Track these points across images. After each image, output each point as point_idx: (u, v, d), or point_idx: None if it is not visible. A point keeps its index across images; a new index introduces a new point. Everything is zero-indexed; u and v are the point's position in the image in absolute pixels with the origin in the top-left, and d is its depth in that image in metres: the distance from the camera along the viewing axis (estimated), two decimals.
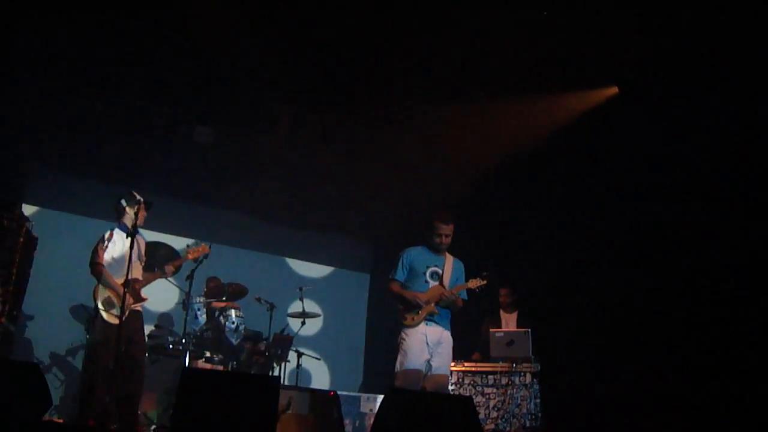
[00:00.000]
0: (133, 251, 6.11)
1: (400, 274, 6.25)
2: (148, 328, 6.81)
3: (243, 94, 8.15)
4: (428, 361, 6.01)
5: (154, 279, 6.58)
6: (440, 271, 6.22)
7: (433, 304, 6.06)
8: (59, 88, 7.77)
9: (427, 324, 6.05)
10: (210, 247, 6.94)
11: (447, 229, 6.21)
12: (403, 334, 6.06)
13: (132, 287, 6.18)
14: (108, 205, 6.88)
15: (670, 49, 6.85)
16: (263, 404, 4.54)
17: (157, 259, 7.26)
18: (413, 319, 6.03)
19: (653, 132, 7.52)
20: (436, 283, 6.18)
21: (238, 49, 7.37)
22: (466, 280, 6.28)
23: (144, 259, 6.64)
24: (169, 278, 6.89)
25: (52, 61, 7.38)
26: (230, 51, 7.40)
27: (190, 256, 6.78)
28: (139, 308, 6.41)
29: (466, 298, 6.30)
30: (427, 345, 6.00)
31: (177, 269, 6.80)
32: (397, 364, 6.00)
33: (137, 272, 6.37)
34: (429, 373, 6.01)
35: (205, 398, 4.43)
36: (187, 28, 7.04)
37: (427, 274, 6.20)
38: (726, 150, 7.10)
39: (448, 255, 6.34)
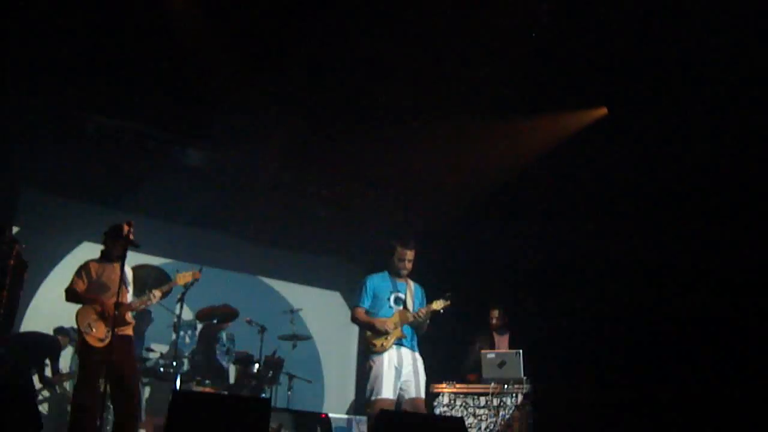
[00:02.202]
0: (111, 276, 6.17)
1: (365, 301, 6.26)
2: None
3: (234, 116, 8.18)
4: (401, 386, 6.01)
5: (143, 305, 6.41)
6: (403, 296, 6.26)
7: (400, 329, 6.09)
8: (49, 110, 7.79)
9: (395, 348, 6.06)
10: (200, 272, 6.88)
11: (409, 254, 6.26)
12: (371, 361, 6.04)
13: (117, 311, 6.09)
14: (99, 228, 6.84)
15: (659, 70, 6.92)
16: (254, 426, 4.53)
17: (148, 282, 7.22)
18: (382, 345, 6.03)
19: (642, 153, 7.58)
20: (400, 308, 6.21)
21: (229, 71, 7.41)
22: (429, 303, 6.32)
23: (130, 284, 6.56)
24: (160, 302, 6.83)
25: (43, 82, 7.40)
26: (222, 73, 7.44)
27: (179, 281, 6.66)
28: (127, 332, 6.28)
29: (428, 322, 6.32)
30: (396, 368, 6.00)
31: (164, 294, 6.73)
32: (368, 392, 5.98)
33: (123, 298, 6.30)
34: (406, 397, 6.00)
35: (196, 421, 4.42)
36: (180, 50, 7.08)
37: (391, 299, 6.22)
38: (716, 168, 7.16)
39: (409, 281, 6.39)
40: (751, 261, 6.88)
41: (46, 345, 8.09)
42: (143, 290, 6.71)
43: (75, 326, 6.22)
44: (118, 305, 5.83)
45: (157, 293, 6.43)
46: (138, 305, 6.37)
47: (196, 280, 6.82)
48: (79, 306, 6.19)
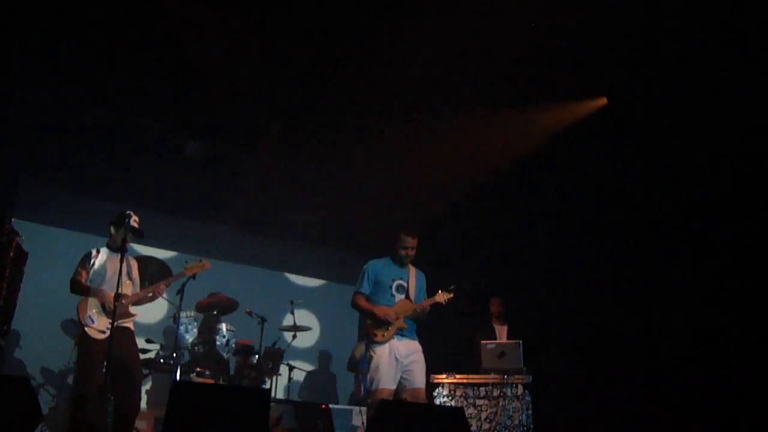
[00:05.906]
0: (115, 268, 6.06)
1: (366, 287, 6.25)
2: (139, 341, 6.65)
3: (233, 108, 8.17)
4: (402, 376, 6.00)
5: (147, 298, 6.36)
6: (405, 284, 6.23)
7: (401, 320, 6.08)
8: (50, 102, 7.78)
9: (396, 339, 6.05)
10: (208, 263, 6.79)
11: (412, 242, 6.25)
12: (371, 351, 6.03)
13: (116, 303, 6.03)
14: (98, 220, 6.82)
15: (658, 61, 6.91)
16: (254, 417, 4.53)
17: (149, 275, 7.18)
18: (383, 335, 6.02)
19: (642, 143, 7.57)
20: (402, 296, 6.19)
21: (228, 64, 7.40)
22: (431, 293, 6.30)
23: (135, 278, 6.48)
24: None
25: (43, 75, 7.39)
26: (220, 66, 7.43)
27: (188, 272, 6.59)
28: (128, 324, 6.22)
29: (428, 309, 6.31)
30: (397, 360, 5.99)
31: (168, 285, 6.67)
32: (368, 382, 5.98)
33: (126, 290, 6.22)
34: (406, 387, 5.99)
35: (195, 412, 4.41)
36: (179, 43, 7.07)
37: (393, 287, 6.20)
38: (715, 159, 7.16)
39: (411, 267, 6.37)
40: (753, 255, 6.88)
41: None
42: (144, 283, 6.69)
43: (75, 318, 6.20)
44: (118, 296, 5.80)
45: (162, 286, 6.39)
46: (142, 297, 6.33)
47: (204, 270, 6.74)
48: (80, 297, 6.14)
